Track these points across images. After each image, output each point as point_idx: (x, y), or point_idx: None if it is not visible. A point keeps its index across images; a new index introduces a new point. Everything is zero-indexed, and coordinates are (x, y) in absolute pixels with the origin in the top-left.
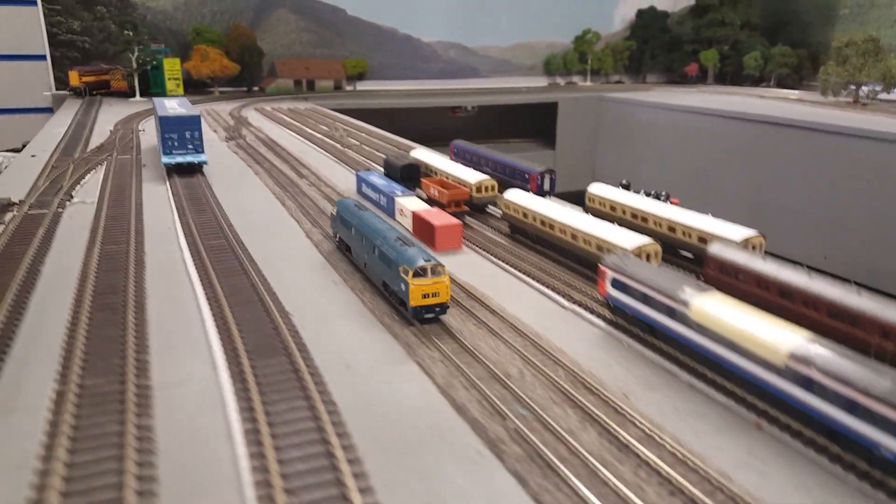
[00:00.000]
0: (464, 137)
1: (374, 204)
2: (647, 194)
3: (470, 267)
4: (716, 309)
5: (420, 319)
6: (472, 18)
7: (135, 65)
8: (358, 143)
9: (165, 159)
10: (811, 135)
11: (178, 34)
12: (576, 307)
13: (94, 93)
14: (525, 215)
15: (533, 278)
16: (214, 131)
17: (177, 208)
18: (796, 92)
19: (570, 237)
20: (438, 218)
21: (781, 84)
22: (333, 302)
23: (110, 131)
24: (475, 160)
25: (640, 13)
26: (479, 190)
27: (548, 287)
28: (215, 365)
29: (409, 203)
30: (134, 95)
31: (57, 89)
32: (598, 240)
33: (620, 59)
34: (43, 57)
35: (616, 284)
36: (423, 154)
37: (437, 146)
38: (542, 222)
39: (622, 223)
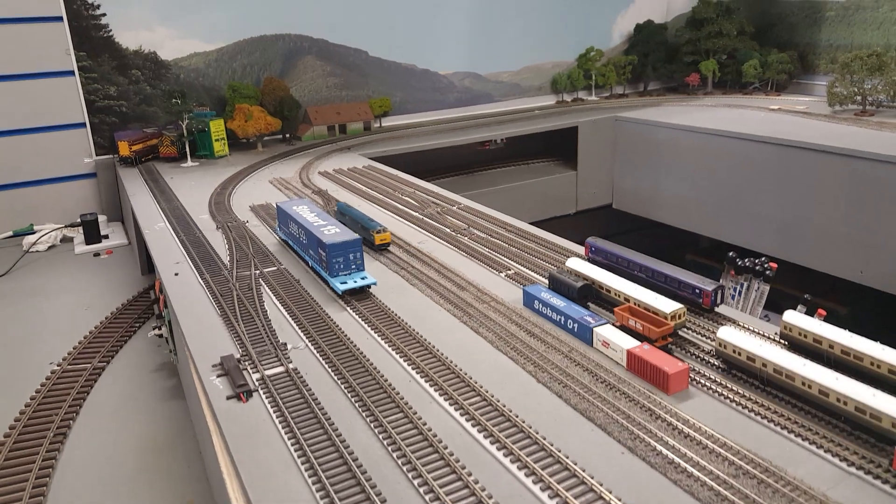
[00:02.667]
0: (494, 165)
1: (556, 324)
2: (752, 261)
3: (713, 415)
4: None
5: (379, 250)
6: (483, 48)
7: (185, 132)
8: (466, 225)
9: (340, 286)
10: (837, 159)
11: (210, 90)
12: (854, 470)
13: (144, 160)
14: (752, 359)
15: (791, 433)
16: None
17: (396, 352)
18: (804, 99)
19: (818, 392)
20: (666, 363)
21: (778, 87)
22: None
23: (217, 226)
24: (621, 264)
25: (639, 27)
26: (673, 318)
27: (814, 444)
28: None
29: (613, 336)
30: (185, 160)
31: (97, 154)
32: (855, 402)
33: (624, 74)
34: (82, 125)
35: None
36: (580, 266)
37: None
38: (777, 371)
39: (828, 358)
